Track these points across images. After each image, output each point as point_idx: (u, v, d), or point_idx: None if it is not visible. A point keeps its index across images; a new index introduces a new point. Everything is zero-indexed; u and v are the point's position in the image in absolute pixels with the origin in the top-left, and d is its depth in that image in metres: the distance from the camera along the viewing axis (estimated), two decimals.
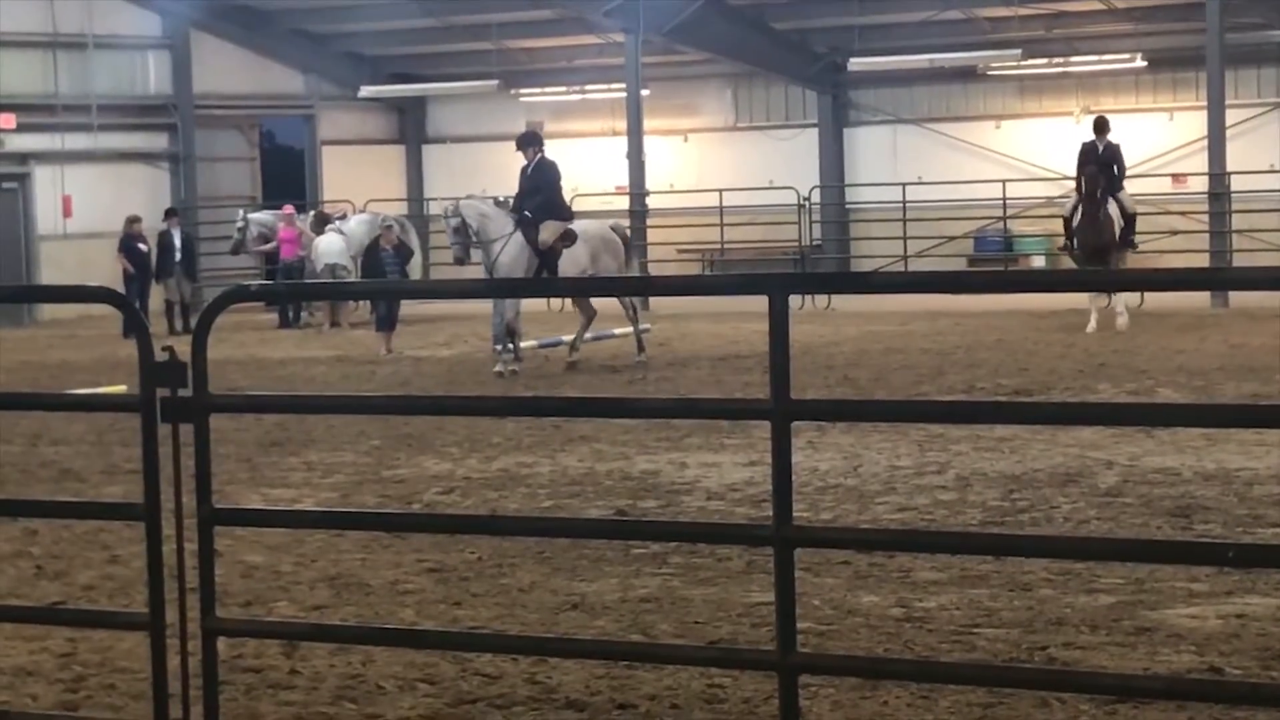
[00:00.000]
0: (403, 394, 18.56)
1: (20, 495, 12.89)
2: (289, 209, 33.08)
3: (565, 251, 21.18)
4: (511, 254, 20.94)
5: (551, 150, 32.00)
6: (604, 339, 25.56)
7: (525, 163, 21.60)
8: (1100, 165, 25.01)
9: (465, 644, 8.01)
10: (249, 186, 39.82)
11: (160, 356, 6.28)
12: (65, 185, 35.75)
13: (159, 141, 37.85)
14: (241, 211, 34.10)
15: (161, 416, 6.35)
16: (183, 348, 6.35)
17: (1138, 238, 26.05)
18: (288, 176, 40.92)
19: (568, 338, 25.40)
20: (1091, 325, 24.34)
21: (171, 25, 37.36)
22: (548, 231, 21.13)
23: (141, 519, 6.41)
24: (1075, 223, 25.08)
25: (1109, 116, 26.86)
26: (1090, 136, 25.53)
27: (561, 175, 21.81)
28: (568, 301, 32.36)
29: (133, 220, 31.87)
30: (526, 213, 21.06)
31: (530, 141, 21.73)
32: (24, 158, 35.53)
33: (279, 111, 40.98)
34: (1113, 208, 24.97)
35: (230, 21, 38.01)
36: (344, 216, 32.48)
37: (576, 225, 21.68)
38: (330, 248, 29.86)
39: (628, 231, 22.81)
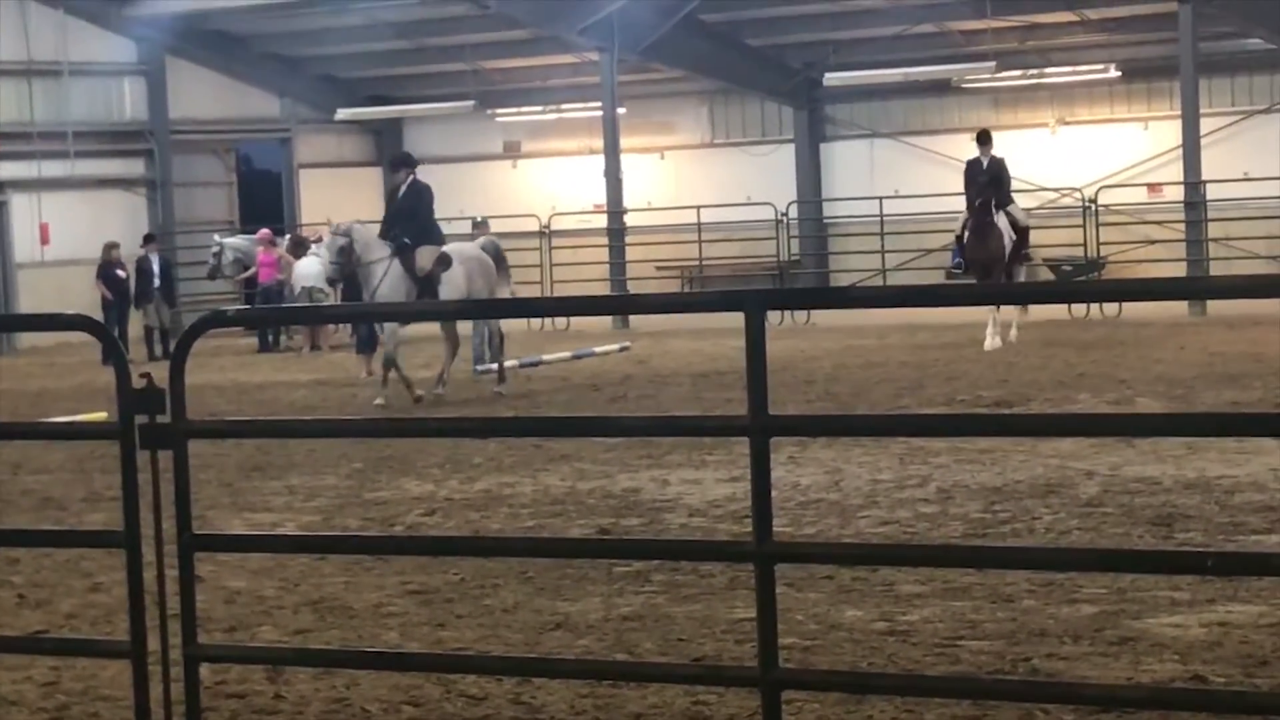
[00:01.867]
0: (383, 416, 18.55)
1: (1, 524, 12.86)
2: (266, 233, 33.06)
3: (444, 276, 20.52)
4: (391, 283, 20.24)
5: (529, 169, 32.05)
6: (583, 357, 25.59)
7: (396, 184, 21.07)
8: (987, 181, 24.66)
9: (449, 666, 8.00)
10: (226, 211, 39.80)
11: (138, 383, 6.27)
12: (42, 213, 35.70)
13: (136, 167, 37.82)
14: (216, 236, 34.08)
15: (140, 443, 6.34)
16: (161, 374, 6.34)
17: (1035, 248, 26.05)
18: (265, 200, 40.90)
19: (549, 357, 25.46)
20: (991, 342, 23.90)
21: (147, 51, 37.35)
22: (425, 257, 20.51)
23: (122, 546, 6.40)
24: (965, 239, 24.87)
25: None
26: (976, 153, 25.17)
27: (434, 198, 21.21)
28: (549, 321, 32.48)
29: (111, 247, 31.81)
30: (405, 240, 20.45)
31: (404, 163, 21.26)
32: (1, 185, 35.48)
33: (255, 135, 40.98)
34: (1002, 221, 24.65)
35: (205, 47, 38.00)
36: (319, 240, 32.46)
37: (449, 248, 21.12)
38: (308, 271, 29.81)
39: (501, 250, 22.17)
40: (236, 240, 33.97)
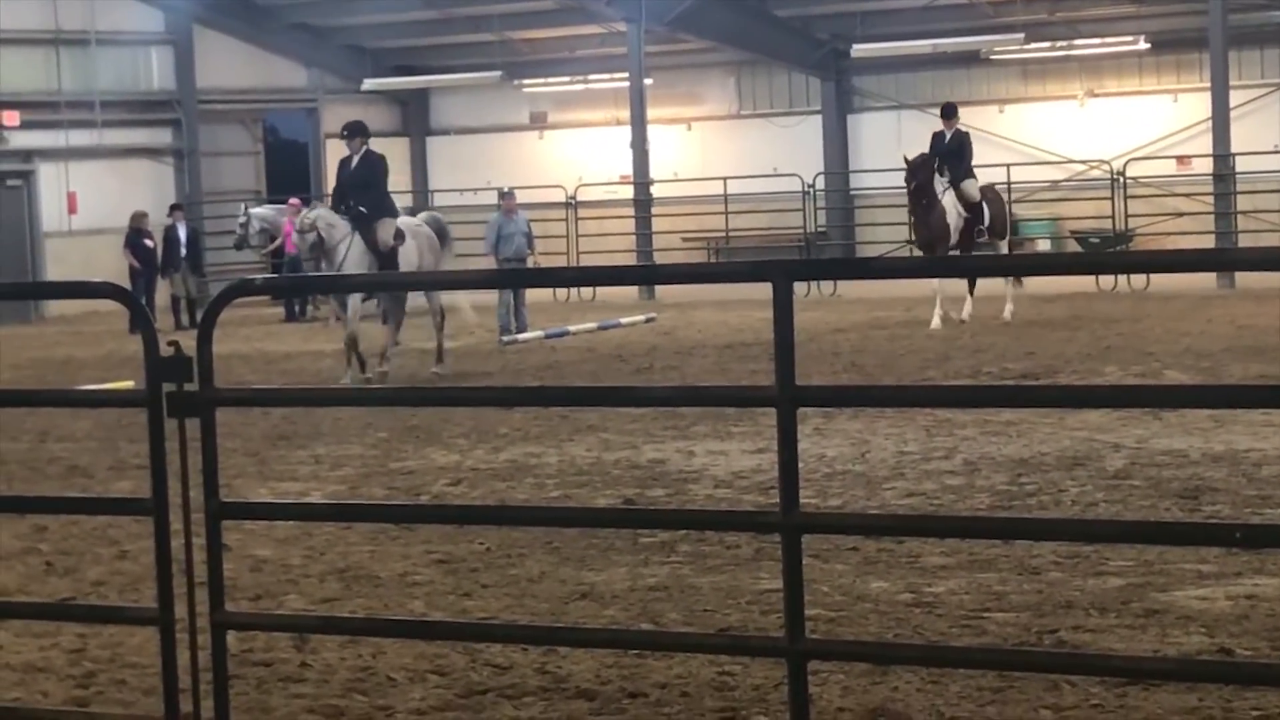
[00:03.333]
0: (409, 386, 18.57)
1: (29, 492, 12.92)
2: (294, 202, 33.07)
3: (400, 250, 20.11)
4: (354, 260, 19.80)
5: (555, 140, 31.98)
6: (609, 328, 25.59)
7: (348, 154, 20.48)
8: (946, 154, 24.39)
9: (475, 635, 8.01)
10: (253, 181, 39.84)
11: (166, 351, 6.27)
12: (70, 182, 35.78)
13: (163, 137, 37.88)
14: (244, 206, 34.10)
15: (168, 411, 6.34)
16: (189, 342, 6.35)
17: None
18: (292, 170, 40.93)
19: (575, 328, 25.46)
20: (935, 323, 23.55)
21: (174, 21, 37.38)
22: (385, 231, 20.11)
23: (150, 514, 6.41)
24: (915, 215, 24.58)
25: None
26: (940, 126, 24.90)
27: (389, 170, 20.79)
28: (574, 292, 32.47)
29: (138, 216, 31.88)
30: (361, 209, 19.97)
31: (357, 132, 20.58)
32: (29, 155, 35.56)
33: (282, 105, 41.00)
34: (949, 199, 24.15)
35: (232, 16, 38.02)
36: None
37: (400, 222, 20.63)
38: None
39: (446, 224, 21.65)
40: (264, 210, 33.97)
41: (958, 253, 24.03)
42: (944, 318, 23.71)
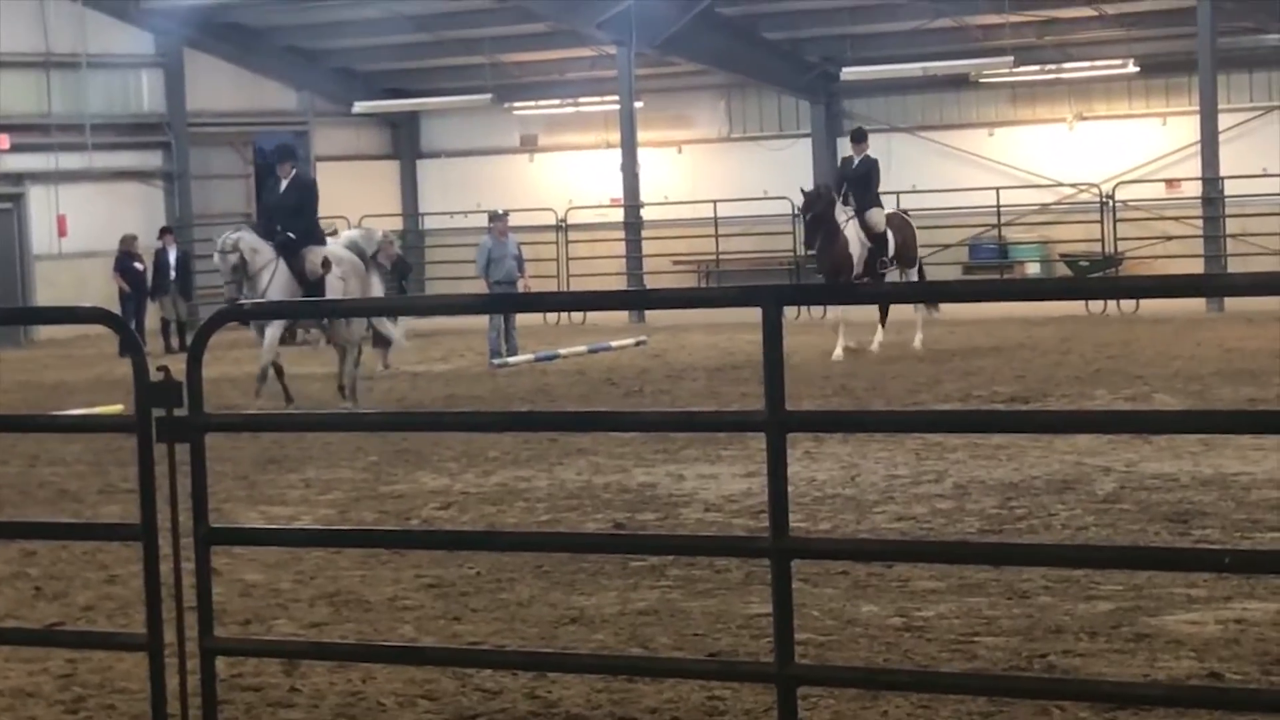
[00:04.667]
0: (399, 410, 18.56)
1: (18, 516, 12.89)
2: None
3: (328, 278, 19.34)
4: (279, 288, 19.04)
5: (546, 163, 31.71)
6: (599, 351, 25.60)
7: (277, 176, 19.82)
8: (853, 180, 23.73)
9: (465, 660, 8.01)
10: (243, 203, 39.78)
11: (156, 377, 6.27)
12: (60, 204, 35.74)
13: (153, 160, 37.86)
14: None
15: (157, 436, 6.34)
16: (178, 366, 6.35)
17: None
18: None
19: (565, 351, 25.48)
20: (838, 353, 22.89)
21: (165, 44, 37.38)
22: (314, 259, 19.37)
23: (139, 539, 6.40)
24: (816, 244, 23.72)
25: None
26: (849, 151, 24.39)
27: (318, 195, 19.98)
28: (565, 315, 32.47)
29: (128, 239, 31.86)
30: (290, 235, 19.24)
31: (287, 155, 20.07)
32: (19, 177, 35.53)
33: (272, 128, 40.96)
34: (852, 229, 23.43)
35: (223, 39, 38.03)
36: (334, 233, 32.37)
37: (325, 250, 19.86)
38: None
39: (365, 249, 20.74)
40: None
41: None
42: (847, 348, 23.08)
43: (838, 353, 22.96)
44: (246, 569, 10.64)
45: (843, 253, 23.30)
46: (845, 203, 23.58)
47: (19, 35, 35.49)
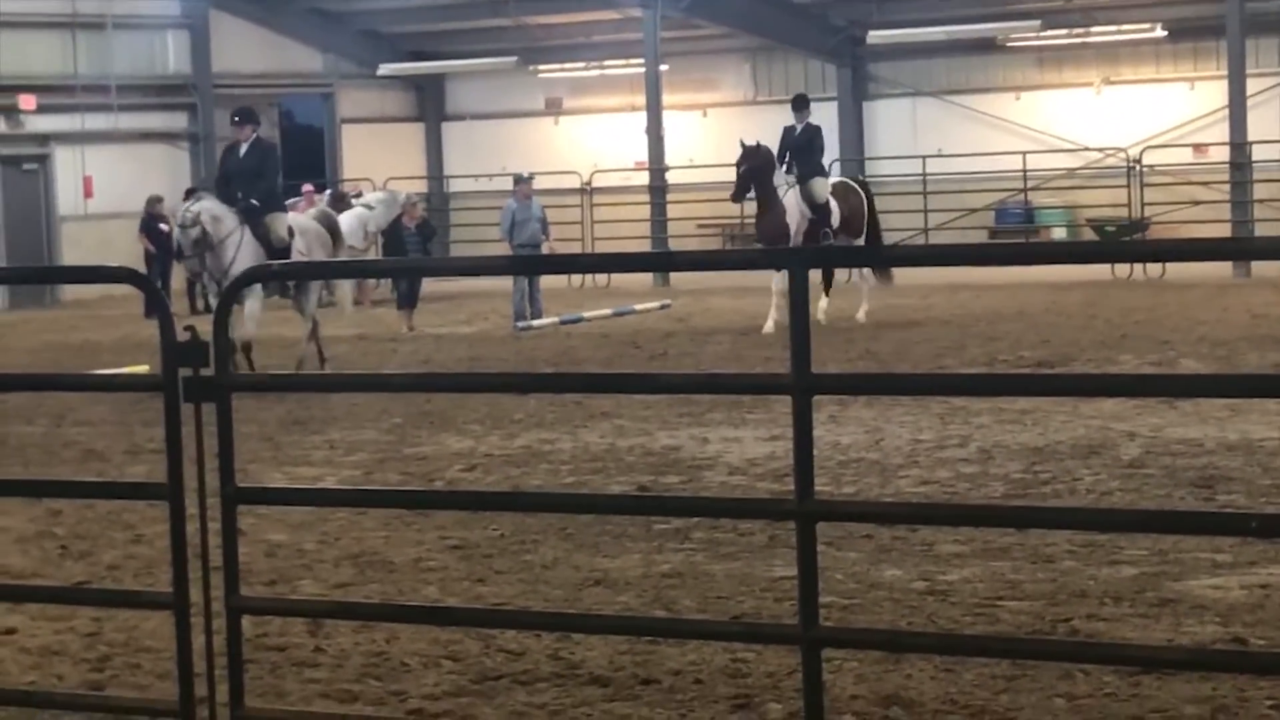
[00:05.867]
0: (424, 371, 18.58)
1: (44, 475, 12.95)
2: (308, 188, 33.10)
3: (293, 245, 18.74)
4: (246, 257, 18.00)
5: (571, 126, 31.48)
6: (624, 314, 25.59)
7: (237, 140, 19.06)
8: (795, 149, 23.15)
9: (489, 621, 8.02)
10: None
11: (182, 337, 6.28)
12: (86, 166, 35.81)
13: (179, 121, 37.90)
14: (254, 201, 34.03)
15: (184, 396, 6.35)
16: (204, 327, 6.36)
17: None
18: (307, 155, 40.95)
19: (589, 314, 25.48)
20: (769, 326, 22.08)
21: (190, 5, 37.40)
22: (279, 225, 18.73)
23: (165, 499, 6.42)
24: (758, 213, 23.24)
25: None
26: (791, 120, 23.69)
27: (280, 161, 19.31)
28: (589, 278, 32.46)
29: (154, 200, 31.90)
30: (253, 201, 18.52)
31: (248, 119, 19.10)
32: (45, 139, 35.59)
33: (298, 90, 40.99)
34: (792, 198, 22.83)
35: (248, 0, 38.02)
36: (359, 194, 32.37)
37: (290, 218, 19.41)
38: (346, 228, 29.86)
39: (335, 222, 20.65)
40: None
41: None
42: (779, 322, 21.76)
43: (769, 326, 22.10)
44: (272, 529, 10.67)
45: (780, 221, 22.66)
46: (789, 172, 23.02)
47: None
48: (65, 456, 14.21)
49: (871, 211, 24.02)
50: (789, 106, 24.03)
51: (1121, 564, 9.24)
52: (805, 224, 22.85)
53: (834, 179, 23.56)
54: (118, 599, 8.57)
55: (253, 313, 18.37)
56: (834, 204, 23.21)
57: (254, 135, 18.98)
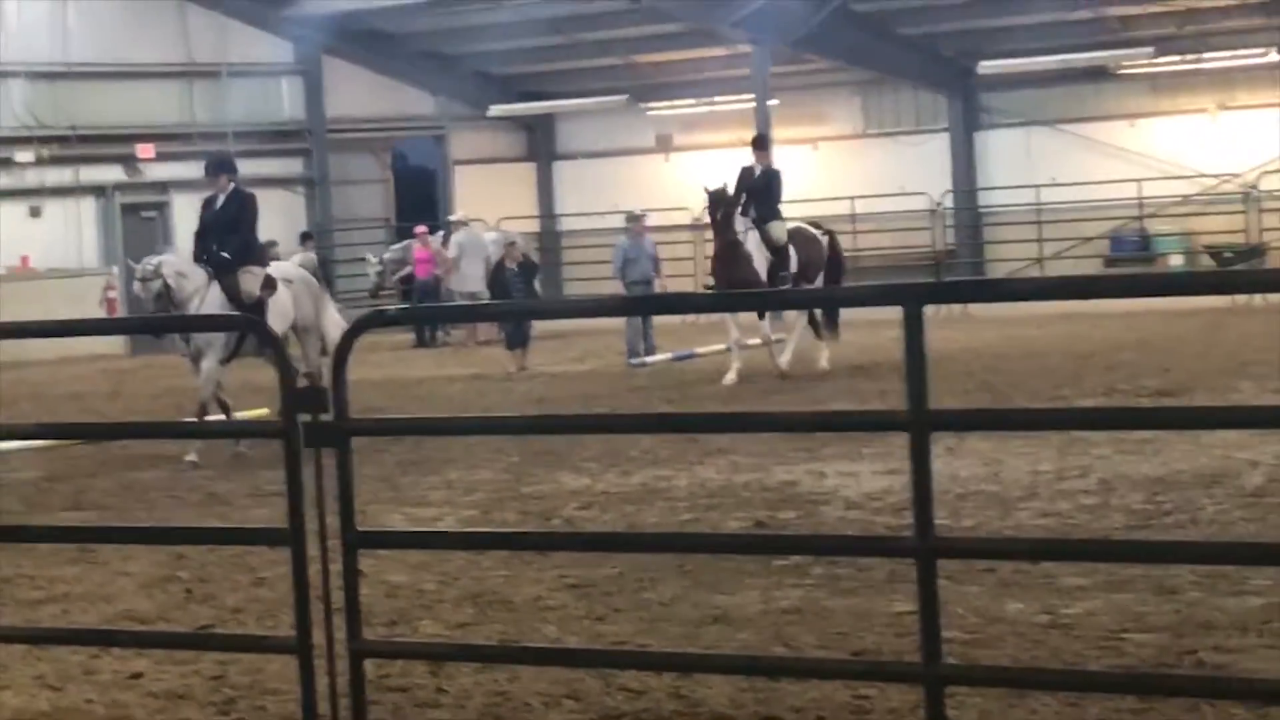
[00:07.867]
0: (539, 412, 18.63)
1: (168, 520, 13.10)
2: (420, 230, 33.38)
3: (270, 301, 17.62)
4: (211, 311, 17.20)
5: (681, 162, 31.24)
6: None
7: (211, 193, 18.07)
8: (753, 190, 22.05)
9: (610, 660, 8.02)
10: (381, 208, 40.23)
11: (301, 383, 6.35)
12: None
13: (294, 166, 38.35)
14: (371, 257, 34.40)
15: (304, 442, 6.41)
16: (322, 371, 6.43)
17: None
18: (420, 197, 41.30)
19: (702, 350, 25.47)
20: (730, 377, 21.28)
21: (303, 52, 37.86)
22: (250, 281, 17.68)
23: (287, 543, 6.48)
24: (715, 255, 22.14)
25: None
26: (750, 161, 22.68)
27: (258, 211, 18.13)
28: (702, 316, 32.47)
29: (268, 245, 32.20)
30: (224, 254, 17.61)
31: (223, 168, 18.19)
32: (163, 186, 36.14)
33: (410, 133, 41.38)
34: (753, 241, 21.77)
35: (361, 46, 38.46)
36: (467, 224, 32.54)
37: (272, 269, 18.34)
38: (471, 274, 30.28)
39: (319, 269, 19.85)
40: (390, 254, 34.33)
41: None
42: (740, 371, 21.35)
43: (730, 376, 21.32)
44: (391, 570, 10.73)
45: (748, 269, 21.52)
46: (744, 213, 22.05)
47: (162, 46, 36.09)
48: (189, 500, 14.37)
49: (836, 256, 23.04)
50: (754, 146, 23.11)
51: (1247, 594, 9.12)
52: (767, 266, 21.94)
53: (791, 224, 22.54)
54: (242, 643, 8.65)
55: (208, 373, 17.34)
56: (792, 249, 22.26)
57: (231, 185, 17.94)
